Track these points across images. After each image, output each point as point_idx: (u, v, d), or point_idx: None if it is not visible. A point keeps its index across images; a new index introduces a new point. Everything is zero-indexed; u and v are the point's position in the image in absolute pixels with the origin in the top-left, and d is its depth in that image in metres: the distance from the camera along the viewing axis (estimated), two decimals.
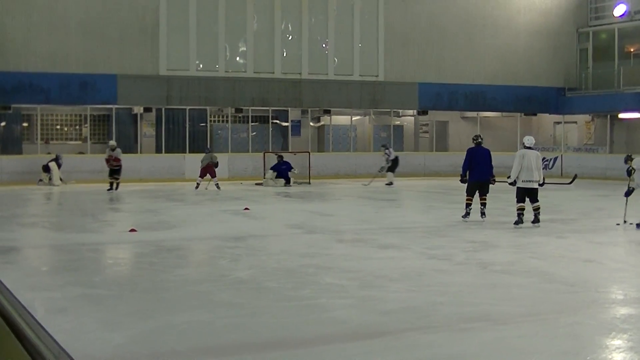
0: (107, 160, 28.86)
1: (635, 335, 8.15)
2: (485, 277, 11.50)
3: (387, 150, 33.45)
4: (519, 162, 17.83)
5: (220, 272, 11.98)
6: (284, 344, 7.81)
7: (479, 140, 19.48)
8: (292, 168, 32.41)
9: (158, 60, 34.28)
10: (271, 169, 32.26)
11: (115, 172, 28.73)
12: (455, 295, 10.01)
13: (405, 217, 21.04)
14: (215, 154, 30.88)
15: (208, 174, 29.93)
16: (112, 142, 29.87)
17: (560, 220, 19.17)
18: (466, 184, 19.07)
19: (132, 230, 16.56)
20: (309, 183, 32.62)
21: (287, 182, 32.01)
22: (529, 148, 18.09)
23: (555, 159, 38.48)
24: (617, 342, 7.90)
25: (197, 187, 29.64)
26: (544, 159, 38.10)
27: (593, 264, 12.91)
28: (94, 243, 15.36)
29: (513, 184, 18.02)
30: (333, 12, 37.10)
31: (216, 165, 30.19)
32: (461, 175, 19.27)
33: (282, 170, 32.18)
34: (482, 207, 18.76)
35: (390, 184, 32.41)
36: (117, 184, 28.70)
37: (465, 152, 19.42)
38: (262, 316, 8.81)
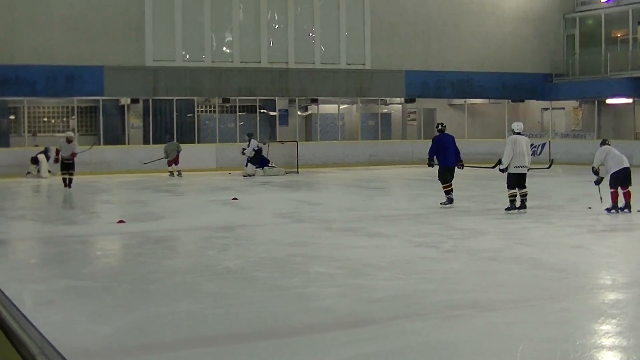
0: (57, 151, 26.19)
1: (624, 320, 8.18)
2: (473, 264, 11.53)
3: (250, 141, 31.80)
4: (511, 148, 17.87)
5: (208, 262, 11.97)
6: (273, 334, 7.81)
7: (442, 127, 20.01)
8: (268, 161, 32.27)
9: (144, 51, 34.16)
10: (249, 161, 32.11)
11: (69, 166, 25.73)
12: (444, 283, 10.03)
13: (393, 205, 21.05)
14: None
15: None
16: (70, 133, 27.29)
17: (548, 207, 19.23)
18: (437, 169, 19.58)
19: (120, 221, 16.53)
20: (297, 172, 32.59)
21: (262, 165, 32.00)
22: (519, 134, 18.17)
23: (543, 145, 38.49)
24: (605, 327, 7.92)
25: (172, 175, 31.55)
26: (532, 145, 38.19)
27: (581, 250, 12.93)
28: (81, 235, 15.35)
29: (505, 170, 18.07)
30: (319, 1, 37.00)
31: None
32: (429, 160, 19.77)
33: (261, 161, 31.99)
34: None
35: (248, 175, 31.20)
36: (71, 180, 25.69)
37: (432, 140, 19.92)
38: (250, 306, 8.81)
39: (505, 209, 17.80)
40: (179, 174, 31.30)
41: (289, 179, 29.88)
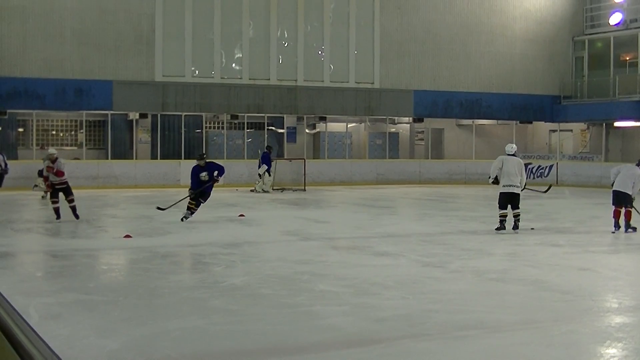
0: (46, 177, 20.69)
1: (630, 344, 8.16)
2: (479, 285, 11.50)
3: None
4: (496, 166, 18.30)
5: (214, 278, 11.97)
6: (279, 351, 7.81)
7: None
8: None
9: (154, 66, 34.27)
10: (264, 163, 31.89)
11: (64, 191, 20.52)
12: (450, 303, 10.01)
13: (400, 224, 21.03)
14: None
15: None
16: (53, 150, 21.15)
17: (555, 229, 19.21)
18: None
19: (127, 236, 16.55)
20: (304, 190, 32.60)
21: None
22: (512, 155, 18.35)
23: (551, 167, 38.53)
24: (611, 350, 7.91)
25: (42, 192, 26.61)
26: (539, 167, 38.22)
27: (588, 272, 12.92)
28: (88, 249, 15.37)
29: (495, 182, 18.41)
30: (329, 19, 37.11)
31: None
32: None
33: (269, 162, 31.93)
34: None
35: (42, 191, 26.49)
36: (74, 208, 20.53)
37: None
38: (256, 323, 8.80)
39: (496, 229, 18.05)
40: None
41: (296, 197, 29.85)
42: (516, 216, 18.13)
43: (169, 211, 21.76)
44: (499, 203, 18.27)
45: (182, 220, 19.69)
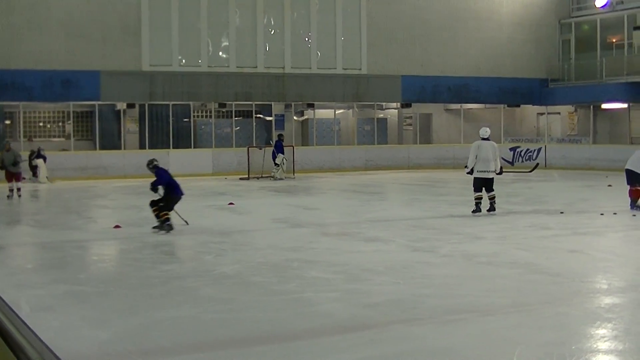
0: None
1: (619, 324, 8.20)
2: (470, 269, 11.54)
3: None
4: (474, 153, 18.59)
5: (205, 267, 11.99)
6: (270, 338, 7.82)
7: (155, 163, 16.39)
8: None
9: (141, 56, 34.17)
10: (280, 153, 32.05)
11: None
12: (441, 287, 10.05)
13: (389, 210, 21.06)
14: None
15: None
16: None
17: (545, 211, 19.25)
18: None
19: (117, 226, 16.54)
20: (294, 177, 32.59)
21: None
22: (485, 139, 18.55)
23: (539, 150, 38.57)
24: (601, 331, 7.95)
25: (11, 195, 24.55)
26: (527, 150, 38.29)
27: (577, 254, 12.97)
28: (78, 240, 15.35)
29: (470, 172, 18.66)
30: (315, 6, 37.05)
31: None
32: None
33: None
34: None
35: None
36: None
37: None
38: (248, 311, 8.82)
39: (472, 212, 18.37)
40: (19, 194, 24.58)
41: (286, 184, 29.84)
42: (491, 198, 18.52)
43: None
44: (473, 186, 18.64)
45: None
